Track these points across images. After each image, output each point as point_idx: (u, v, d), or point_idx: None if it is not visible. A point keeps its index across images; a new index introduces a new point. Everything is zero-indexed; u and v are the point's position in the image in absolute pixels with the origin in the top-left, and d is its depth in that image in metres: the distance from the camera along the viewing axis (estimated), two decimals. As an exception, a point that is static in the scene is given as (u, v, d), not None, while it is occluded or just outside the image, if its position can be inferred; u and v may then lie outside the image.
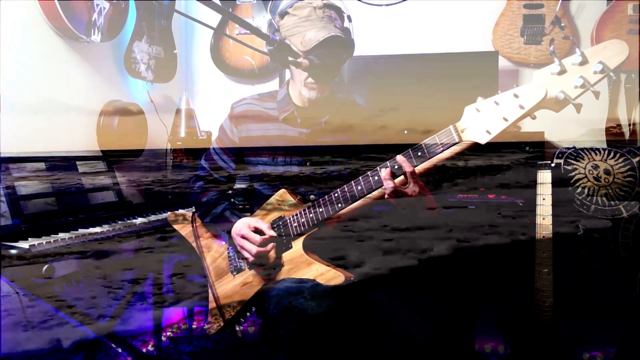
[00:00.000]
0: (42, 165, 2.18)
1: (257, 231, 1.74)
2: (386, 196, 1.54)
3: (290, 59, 1.67)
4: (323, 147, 1.81)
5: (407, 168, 1.49)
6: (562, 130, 2.63)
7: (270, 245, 1.71)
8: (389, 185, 1.51)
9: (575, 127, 2.72)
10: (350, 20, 1.80)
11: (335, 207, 1.62)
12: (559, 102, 1.33)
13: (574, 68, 1.33)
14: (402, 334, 1.56)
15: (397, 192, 1.52)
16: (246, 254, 1.75)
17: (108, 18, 2.55)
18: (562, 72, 1.34)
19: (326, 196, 1.64)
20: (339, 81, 1.92)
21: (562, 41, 2.86)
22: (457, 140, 1.42)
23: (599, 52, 1.32)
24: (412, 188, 1.52)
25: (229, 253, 1.88)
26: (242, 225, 1.76)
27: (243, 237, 1.75)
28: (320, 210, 1.65)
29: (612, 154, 2.28)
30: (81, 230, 2.00)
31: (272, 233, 1.71)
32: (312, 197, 1.78)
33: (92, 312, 2.31)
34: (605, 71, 1.30)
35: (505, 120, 1.35)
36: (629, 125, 2.64)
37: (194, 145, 2.99)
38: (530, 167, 2.09)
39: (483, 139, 1.38)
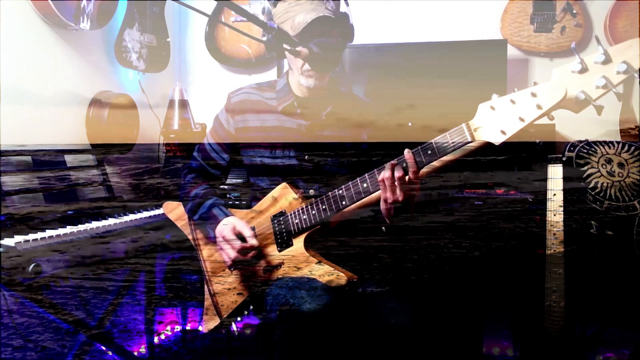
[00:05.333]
0: (28, 159, 2.16)
1: (241, 237, 1.72)
2: (381, 180, 1.50)
3: (288, 47, 1.65)
4: (323, 143, 1.79)
5: (411, 167, 1.46)
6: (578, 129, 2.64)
7: (251, 253, 1.70)
8: (395, 173, 1.47)
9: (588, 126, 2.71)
10: (347, 4, 1.78)
11: (340, 204, 1.60)
12: (579, 102, 1.29)
13: (596, 67, 1.29)
14: (403, 335, 1.55)
15: (390, 185, 1.49)
16: (225, 257, 1.75)
17: (98, 5, 2.52)
18: (584, 70, 1.29)
19: (330, 193, 1.62)
20: (340, 71, 1.90)
21: (574, 29, 2.84)
22: (469, 139, 1.39)
23: (623, 51, 1.27)
24: (405, 190, 1.50)
25: None
26: (225, 228, 1.74)
27: (224, 238, 1.73)
28: (324, 207, 1.62)
29: (626, 147, 2.26)
30: (69, 227, 1.99)
31: (254, 242, 1.69)
32: (311, 191, 1.77)
33: (81, 313, 2.29)
34: (629, 71, 1.26)
35: (522, 120, 1.31)
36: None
37: (187, 137, 2.97)
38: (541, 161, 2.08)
39: (497, 140, 1.35)
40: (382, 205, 1.55)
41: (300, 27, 1.64)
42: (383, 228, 1.67)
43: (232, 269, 1.79)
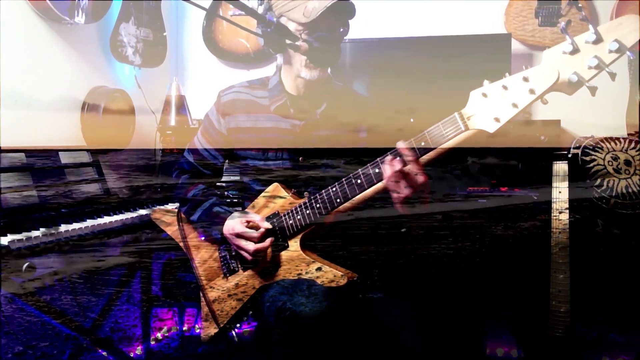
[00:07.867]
0: (22, 156, 2.15)
1: (251, 226, 1.70)
2: (386, 181, 1.47)
3: (287, 42, 1.64)
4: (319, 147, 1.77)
5: (410, 157, 1.44)
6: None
7: (269, 240, 1.66)
8: (395, 167, 1.43)
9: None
10: None
11: (334, 202, 1.58)
12: (572, 84, 1.28)
13: (587, 47, 1.28)
14: (404, 337, 1.55)
15: (402, 177, 1.45)
16: (244, 254, 1.70)
17: (92, -2, 2.51)
18: (575, 51, 1.28)
19: (323, 191, 1.60)
20: (340, 65, 1.89)
21: (580, 23, 2.82)
22: (462, 129, 1.37)
23: (614, 29, 1.26)
24: (418, 177, 1.47)
25: (220, 253, 1.83)
26: (235, 223, 1.72)
27: (238, 235, 1.70)
28: (318, 206, 1.61)
29: (632, 143, 2.25)
30: (64, 226, 1.98)
31: (267, 225, 1.67)
32: (306, 194, 1.75)
33: (76, 314, 2.29)
34: (622, 50, 1.25)
35: (515, 106, 1.30)
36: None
37: (184, 134, 2.96)
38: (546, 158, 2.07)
39: (491, 127, 1.34)
40: (394, 201, 1.51)
41: (316, 13, 1.62)
42: (403, 229, 1.65)
43: (245, 269, 1.76)
